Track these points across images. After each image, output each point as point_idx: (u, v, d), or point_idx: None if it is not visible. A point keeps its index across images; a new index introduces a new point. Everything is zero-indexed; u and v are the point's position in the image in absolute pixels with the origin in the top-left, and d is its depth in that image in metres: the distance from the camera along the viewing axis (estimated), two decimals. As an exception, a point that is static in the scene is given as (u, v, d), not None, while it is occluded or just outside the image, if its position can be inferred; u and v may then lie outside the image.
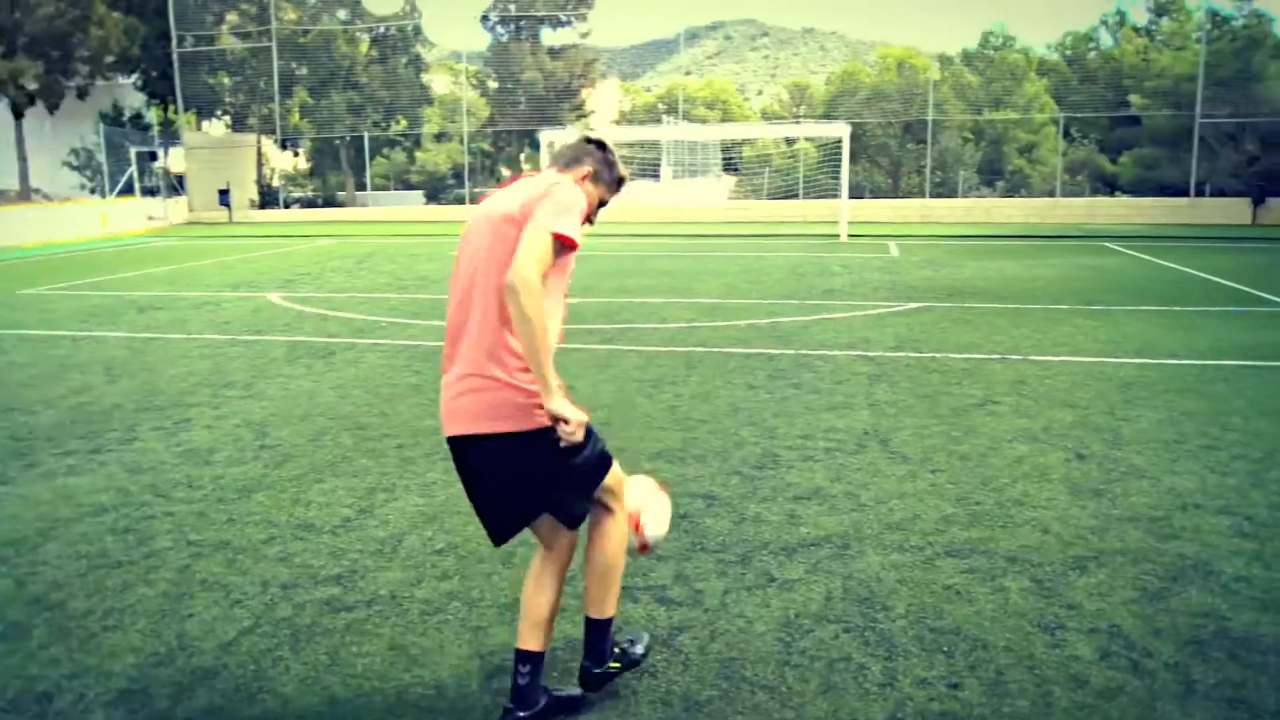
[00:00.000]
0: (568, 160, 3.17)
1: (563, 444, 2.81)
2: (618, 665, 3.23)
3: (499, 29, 42.52)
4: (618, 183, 3.24)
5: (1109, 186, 42.67)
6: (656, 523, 3.34)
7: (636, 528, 3.26)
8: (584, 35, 43.09)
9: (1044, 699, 3.22)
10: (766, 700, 3.21)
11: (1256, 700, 3.19)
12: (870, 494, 5.17)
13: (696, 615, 3.80)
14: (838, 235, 24.07)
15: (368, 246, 23.24)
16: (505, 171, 49.87)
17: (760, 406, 7.04)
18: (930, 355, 8.84)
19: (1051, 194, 37.34)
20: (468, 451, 2.97)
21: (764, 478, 5.45)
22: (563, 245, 2.84)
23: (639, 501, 3.29)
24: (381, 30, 42.73)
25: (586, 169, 3.15)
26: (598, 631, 3.18)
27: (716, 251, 20.52)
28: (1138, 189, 38.26)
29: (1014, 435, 6.26)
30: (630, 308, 12.14)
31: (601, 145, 3.21)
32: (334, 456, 5.97)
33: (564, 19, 42.11)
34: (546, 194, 2.90)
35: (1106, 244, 21.81)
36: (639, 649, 3.30)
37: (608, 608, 3.18)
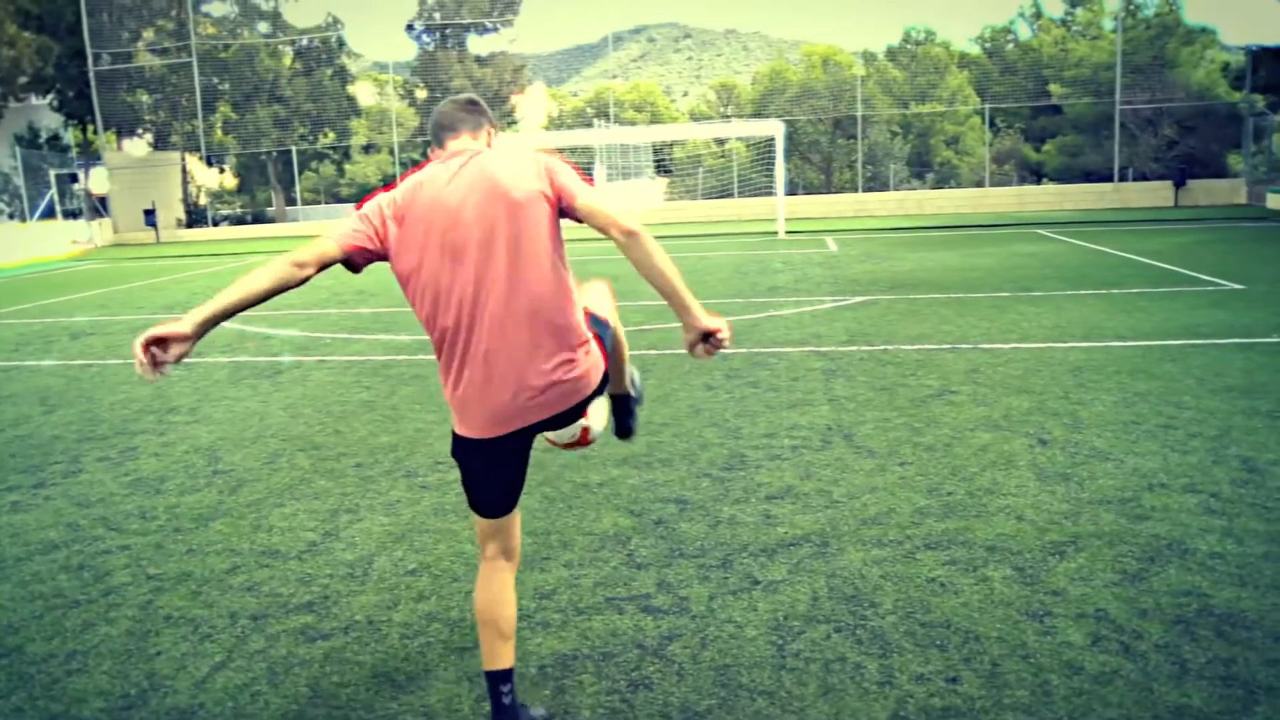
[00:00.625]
0: (475, 125, 2.96)
1: (716, 350, 2.77)
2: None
3: (424, 38, 42.11)
4: None
5: (1035, 175, 43.56)
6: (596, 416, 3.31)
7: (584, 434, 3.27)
8: (511, 41, 42.87)
9: (1042, 688, 3.21)
10: (767, 706, 3.15)
11: (1249, 676, 3.21)
12: (842, 490, 5.15)
13: (684, 623, 3.74)
14: (775, 232, 24.20)
15: (302, 262, 22.82)
16: (437, 181, 49.38)
17: (721, 407, 7.00)
18: (882, 348, 8.88)
19: (980, 184, 38.03)
20: (521, 439, 2.88)
21: (734, 479, 5.41)
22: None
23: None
24: (304, 43, 42.10)
25: (492, 127, 3.05)
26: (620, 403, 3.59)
27: (657, 253, 20.47)
28: (1063, 176, 39.13)
29: (975, 424, 6.29)
30: (578, 313, 12.04)
31: (477, 101, 3.06)
32: (291, 479, 5.80)
33: (490, 25, 41.85)
34: (549, 167, 2.81)
35: (1039, 231, 22.21)
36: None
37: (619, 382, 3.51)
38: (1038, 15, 44.91)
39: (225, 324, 10.18)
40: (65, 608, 4.18)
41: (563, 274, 2.79)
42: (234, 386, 8.55)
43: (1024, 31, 45.28)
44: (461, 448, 2.90)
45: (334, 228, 2.81)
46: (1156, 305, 10.71)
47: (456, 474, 5.70)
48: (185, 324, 2.58)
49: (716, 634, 3.65)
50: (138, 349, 2.54)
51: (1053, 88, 39.17)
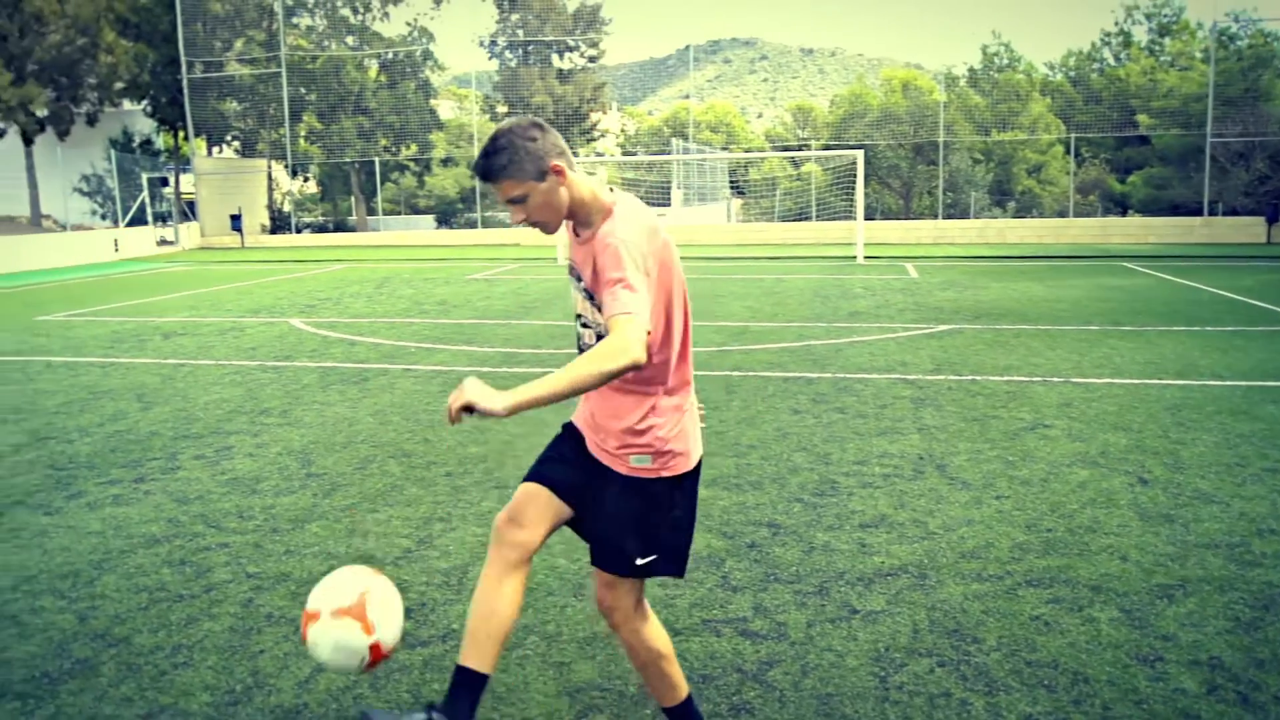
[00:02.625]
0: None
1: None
2: None
3: (507, 54, 42.64)
4: None
5: (1120, 206, 42.69)
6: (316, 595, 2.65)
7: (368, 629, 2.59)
8: (593, 60, 43.19)
9: (1157, 736, 3.11)
10: (873, 739, 3.11)
11: (1379, 736, 3.09)
12: (938, 521, 5.07)
13: (784, 649, 3.70)
14: (854, 257, 24.02)
15: (383, 271, 23.22)
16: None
17: (809, 431, 6.95)
18: (970, 378, 8.75)
19: (1063, 214, 37.37)
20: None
21: (826, 505, 5.35)
22: None
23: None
24: (390, 55, 42.92)
25: None
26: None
27: (733, 274, 20.47)
28: (1149, 208, 38.28)
29: (1071, 460, 6.16)
30: (657, 331, 12.06)
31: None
32: (384, 485, 5.88)
33: (572, 44, 42.25)
34: None
35: (1124, 264, 21.75)
36: None
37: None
38: (1126, 43, 44.10)
39: (310, 330, 10.34)
40: (169, 601, 4.27)
41: None
42: (323, 391, 8.70)
43: (1109, 58, 44.50)
44: (684, 480, 2.79)
45: (632, 303, 2.47)
46: (1254, 344, 10.40)
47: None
48: (499, 404, 2.39)
49: (817, 662, 3.60)
50: (454, 409, 2.43)
51: (1140, 118, 38.41)
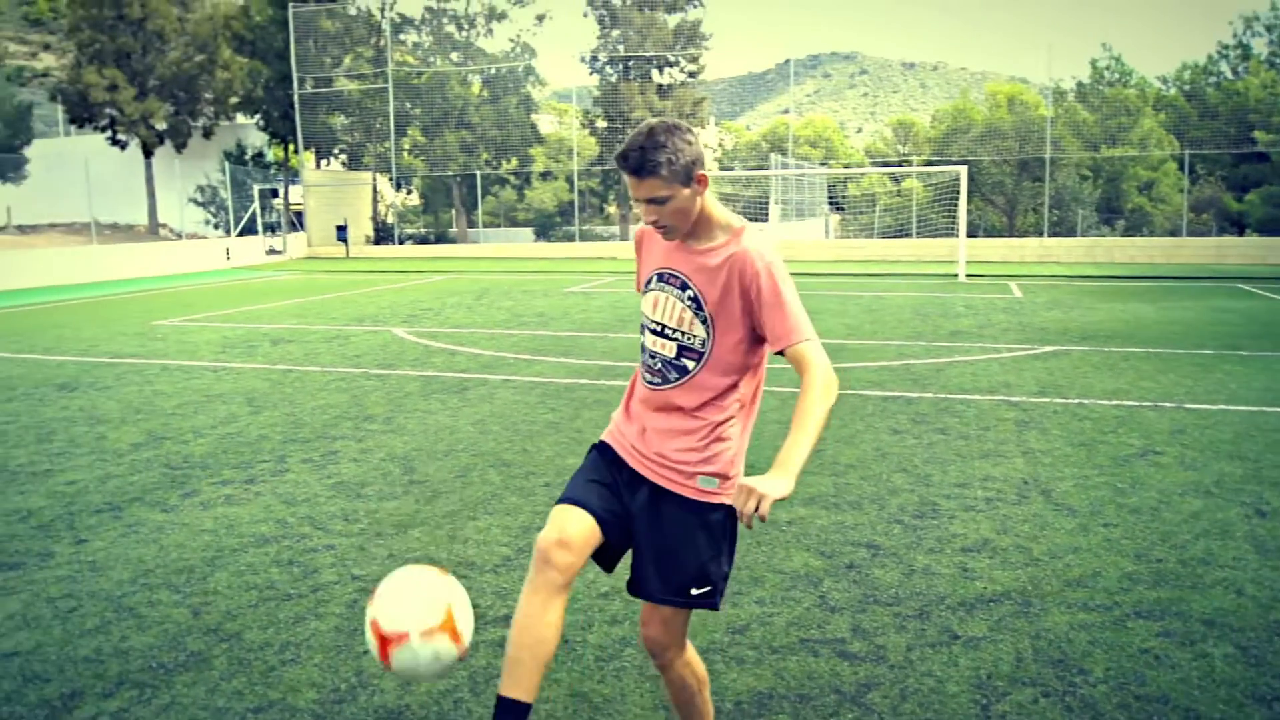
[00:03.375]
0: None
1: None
2: None
3: (608, 69, 43.02)
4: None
5: (1236, 226, 41.15)
6: (391, 611, 2.52)
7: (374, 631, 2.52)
8: (693, 75, 43.30)
9: (1276, 779, 2.99)
10: (974, 768, 3.05)
11: None
12: (1042, 548, 4.95)
13: (882, 672, 3.65)
14: (955, 275, 23.61)
15: (483, 282, 23.62)
16: (612, 209, 50.38)
17: (909, 452, 6.85)
18: (1078, 401, 8.52)
19: (1175, 233, 36.19)
20: None
21: (926, 527, 5.27)
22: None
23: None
24: (493, 71, 43.69)
25: None
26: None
27: (831, 290, 20.31)
28: (1268, 228, 36.79)
29: (1184, 488, 5.96)
30: (754, 347, 12.03)
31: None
32: (484, 494, 5.97)
33: (672, 60, 42.44)
34: None
35: (1241, 285, 20.95)
36: None
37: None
38: (1245, 56, 42.50)
39: (412, 339, 10.58)
40: (278, 600, 4.41)
41: None
42: (424, 399, 8.88)
43: (1225, 72, 42.92)
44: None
45: (810, 327, 2.58)
46: (1382, 372, 9.92)
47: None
48: (789, 488, 2.37)
49: (917, 686, 3.55)
50: (764, 513, 2.32)
51: (1259, 134, 36.99)
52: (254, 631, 4.09)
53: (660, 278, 2.70)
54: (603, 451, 2.81)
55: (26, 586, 4.62)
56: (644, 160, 2.49)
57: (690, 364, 2.65)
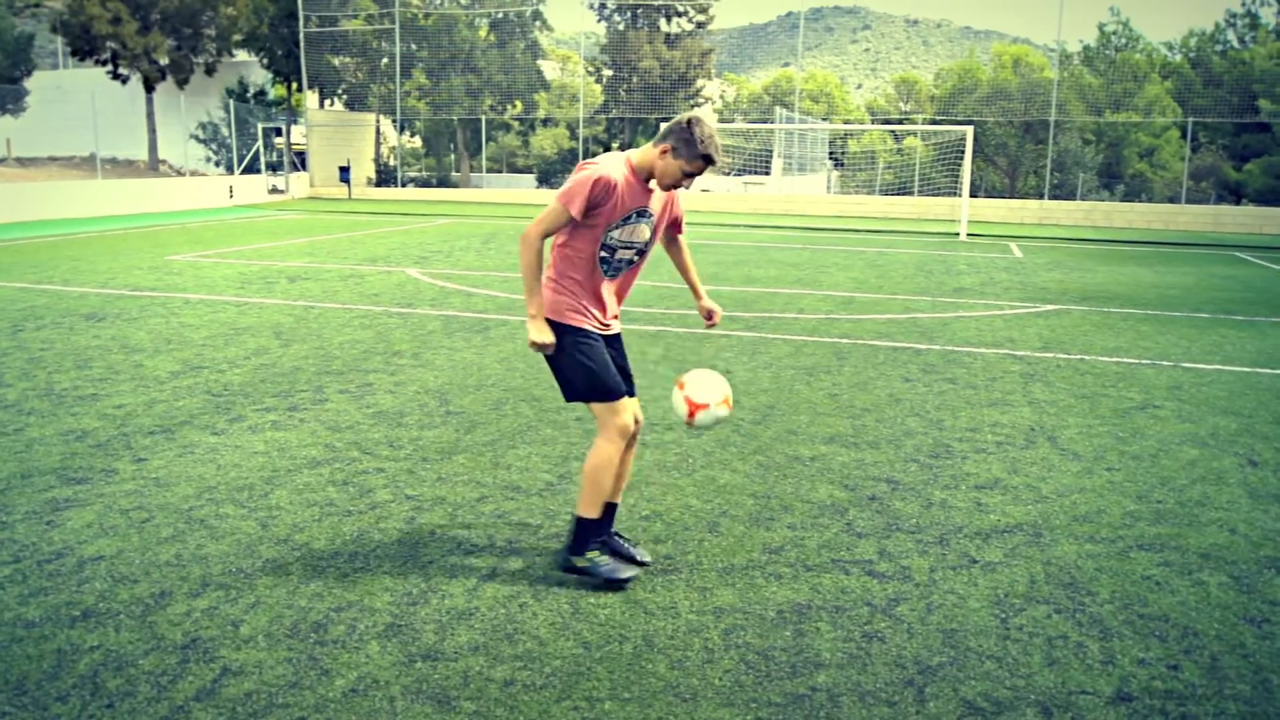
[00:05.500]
0: (658, 137, 3.82)
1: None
2: (587, 562, 3.95)
3: (615, 17, 42.79)
4: (702, 159, 3.72)
5: (1234, 194, 41.37)
6: (699, 391, 4.06)
7: (687, 402, 4.05)
8: (700, 25, 43.10)
9: (1263, 685, 3.34)
10: (995, 669, 3.39)
11: None
12: (1050, 487, 5.29)
13: (909, 589, 4.00)
14: (957, 234, 23.87)
15: (488, 227, 23.79)
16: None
17: (920, 399, 7.18)
18: (1079, 357, 8.85)
19: (1174, 200, 36.41)
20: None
21: (941, 466, 5.61)
22: (563, 208, 3.74)
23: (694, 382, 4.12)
24: (501, 15, 43.42)
25: (666, 144, 3.75)
26: (575, 525, 3.98)
27: (835, 245, 20.56)
28: (1266, 198, 37.04)
29: (1181, 439, 6.30)
30: (764, 297, 12.32)
31: (689, 124, 3.73)
32: (519, 425, 6.29)
33: (680, 9, 42.23)
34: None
35: (1237, 254, 21.27)
36: (636, 554, 4.16)
37: (581, 507, 3.95)
38: (1253, 25, 42.50)
39: (427, 280, 10.82)
40: (339, 516, 4.72)
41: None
42: (448, 337, 9.17)
43: (1232, 40, 42.91)
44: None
45: None
46: (1373, 339, 10.27)
47: (674, 433, 6.08)
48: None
49: (940, 602, 3.89)
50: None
51: (1262, 103, 37.12)
52: (322, 542, 4.41)
53: (640, 214, 3.88)
54: (597, 342, 3.96)
55: (97, 499, 4.92)
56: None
57: (638, 258, 4.03)
